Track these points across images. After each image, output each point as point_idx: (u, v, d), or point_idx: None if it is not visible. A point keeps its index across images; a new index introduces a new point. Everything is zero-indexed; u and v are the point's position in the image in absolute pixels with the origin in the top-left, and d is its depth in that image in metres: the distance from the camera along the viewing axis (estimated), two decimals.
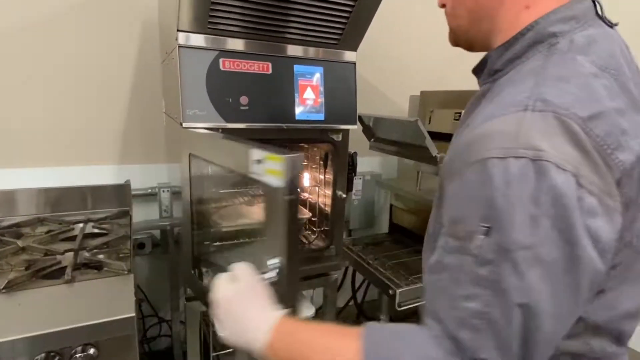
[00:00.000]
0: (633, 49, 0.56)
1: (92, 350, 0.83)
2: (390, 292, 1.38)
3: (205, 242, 1.15)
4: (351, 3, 1.04)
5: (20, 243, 1.10)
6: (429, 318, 0.50)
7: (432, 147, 1.28)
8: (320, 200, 1.32)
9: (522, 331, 0.44)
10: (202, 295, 1.02)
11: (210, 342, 1.30)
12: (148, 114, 1.67)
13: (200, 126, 0.99)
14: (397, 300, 1.37)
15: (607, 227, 0.44)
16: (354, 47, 1.15)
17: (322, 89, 1.11)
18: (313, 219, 1.32)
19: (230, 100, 1.01)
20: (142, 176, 1.69)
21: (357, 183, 1.93)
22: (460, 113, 1.59)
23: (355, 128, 1.18)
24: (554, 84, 0.47)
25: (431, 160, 1.32)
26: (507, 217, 0.43)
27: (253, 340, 0.58)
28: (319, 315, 1.39)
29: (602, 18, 0.54)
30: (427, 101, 1.79)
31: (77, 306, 0.88)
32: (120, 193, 1.55)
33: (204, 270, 1.08)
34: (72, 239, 1.23)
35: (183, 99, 0.97)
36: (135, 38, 1.60)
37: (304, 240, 1.35)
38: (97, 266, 1.06)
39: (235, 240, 1.22)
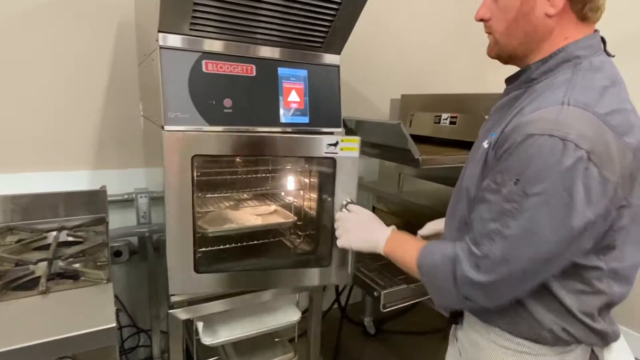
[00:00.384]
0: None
1: None
2: (375, 294, 1.38)
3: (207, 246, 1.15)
4: (335, 7, 1.05)
5: None
6: (467, 236, 0.76)
7: (415, 149, 1.29)
8: (306, 204, 1.31)
9: (522, 248, 0.68)
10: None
11: (193, 352, 1.26)
12: (124, 117, 1.63)
13: (182, 129, 0.97)
14: (382, 302, 1.38)
15: (599, 188, 0.64)
16: (337, 51, 1.16)
17: (306, 91, 1.11)
18: (299, 222, 1.31)
19: (214, 102, 0.99)
20: (117, 181, 1.64)
21: None
22: (440, 116, 1.63)
23: (340, 131, 1.18)
24: (582, 90, 0.68)
25: (413, 162, 1.34)
26: (534, 175, 0.65)
27: (377, 242, 0.95)
28: (305, 319, 1.37)
29: (606, 50, 0.76)
30: (408, 104, 1.82)
31: (54, 318, 0.84)
32: (96, 199, 1.49)
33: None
34: (45, 247, 1.18)
35: (165, 101, 0.94)
36: (110, 39, 1.55)
37: (289, 244, 1.34)
38: (73, 276, 1.02)
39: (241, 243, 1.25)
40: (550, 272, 0.71)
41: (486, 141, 0.78)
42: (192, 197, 0.99)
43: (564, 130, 0.63)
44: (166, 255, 1.01)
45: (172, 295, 1.06)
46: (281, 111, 1.08)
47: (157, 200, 1.53)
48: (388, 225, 1.01)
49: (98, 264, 1.09)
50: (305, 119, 1.11)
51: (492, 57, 0.84)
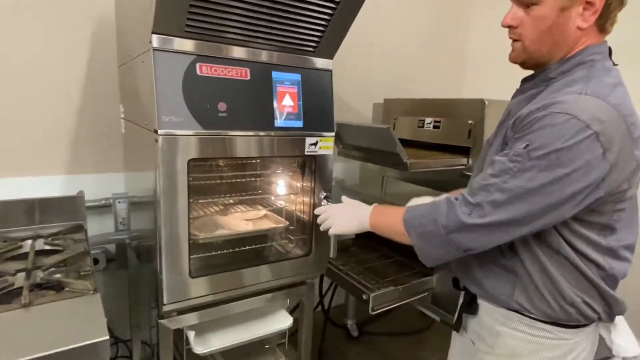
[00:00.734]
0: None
1: None
2: (364, 296, 1.40)
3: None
4: (330, 12, 1.05)
5: None
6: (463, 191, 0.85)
7: (403, 153, 1.32)
8: (298, 208, 1.30)
9: (514, 203, 0.76)
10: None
11: None
12: (101, 120, 1.56)
13: (176, 133, 0.94)
14: (370, 305, 1.39)
15: (601, 165, 0.73)
16: (330, 55, 1.16)
17: (300, 95, 1.11)
18: (291, 227, 1.30)
19: (208, 106, 0.97)
20: (93, 186, 1.57)
21: None
22: (423, 120, 1.67)
23: (332, 135, 1.18)
24: (596, 84, 0.78)
25: (401, 166, 1.37)
26: (543, 142, 0.74)
27: (363, 217, 1.00)
28: (296, 324, 1.36)
29: (611, 59, 0.85)
30: (391, 109, 1.85)
31: (40, 332, 0.79)
32: (73, 205, 1.42)
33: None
34: (21, 257, 1.11)
35: (158, 105, 0.91)
36: (87, 38, 1.49)
37: (281, 249, 1.33)
38: (56, 286, 0.97)
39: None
40: (531, 231, 0.79)
41: (503, 129, 0.87)
42: (187, 201, 0.96)
43: (580, 111, 0.72)
44: (159, 263, 0.97)
45: (165, 304, 1.02)
46: (276, 115, 1.07)
47: (137, 205, 1.47)
48: None
49: (82, 273, 1.04)
50: (299, 123, 1.11)
51: (517, 63, 0.90)
